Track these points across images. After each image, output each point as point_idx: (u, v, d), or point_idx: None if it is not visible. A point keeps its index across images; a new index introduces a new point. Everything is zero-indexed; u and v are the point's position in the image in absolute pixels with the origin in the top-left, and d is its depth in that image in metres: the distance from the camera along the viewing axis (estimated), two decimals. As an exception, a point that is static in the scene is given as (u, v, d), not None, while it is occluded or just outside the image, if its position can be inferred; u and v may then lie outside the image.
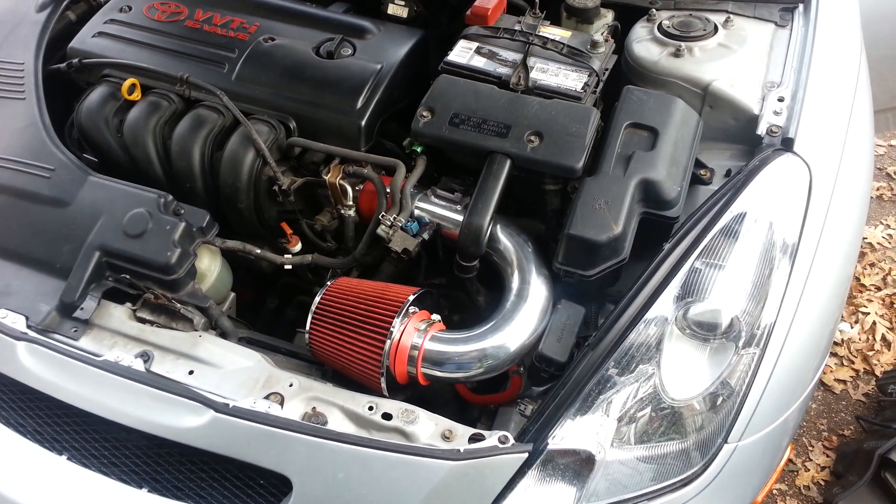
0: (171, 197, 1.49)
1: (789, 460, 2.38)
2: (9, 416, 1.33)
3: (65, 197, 1.52)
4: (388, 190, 1.54)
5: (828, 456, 2.41)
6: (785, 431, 1.35)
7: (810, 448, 2.44)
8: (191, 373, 1.33)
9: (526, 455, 1.17)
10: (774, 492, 2.34)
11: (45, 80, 1.78)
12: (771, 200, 1.38)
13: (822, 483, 2.35)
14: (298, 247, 1.64)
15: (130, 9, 1.86)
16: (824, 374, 2.60)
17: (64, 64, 1.79)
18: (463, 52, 1.65)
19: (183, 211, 1.48)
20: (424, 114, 1.53)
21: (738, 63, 1.63)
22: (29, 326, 1.37)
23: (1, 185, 1.58)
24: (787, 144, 1.45)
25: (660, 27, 1.70)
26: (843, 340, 2.71)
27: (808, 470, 2.38)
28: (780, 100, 1.55)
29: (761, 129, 1.51)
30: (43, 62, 1.81)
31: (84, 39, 1.82)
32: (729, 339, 1.26)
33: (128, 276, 1.44)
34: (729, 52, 1.65)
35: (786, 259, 1.34)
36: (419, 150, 1.58)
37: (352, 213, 1.63)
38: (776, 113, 1.53)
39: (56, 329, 1.39)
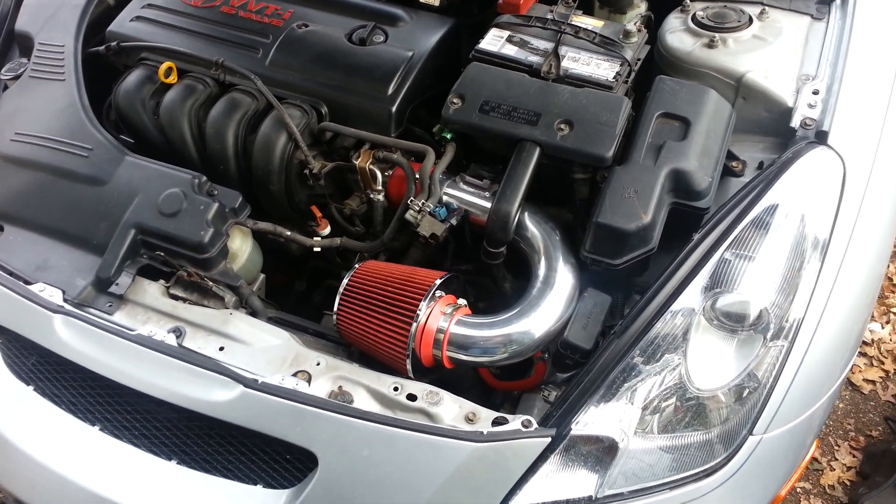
0: (205, 178, 1.51)
1: (814, 458, 2.35)
2: (45, 386, 1.37)
3: (102, 176, 1.55)
4: (418, 176, 1.55)
5: (854, 456, 2.38)
6: (811, 427, 1.34)
7: (836, 448, 2.41)
8: (221, 349, 1.36)
9: (549, 440, 1.17)
10: (798, 490, 2.31)
11: (85, 62, 1.81)
12: (803, 193, 1.36)
13: (848, 483, 2.32)
14: (328, 230, 1.66)
15: (168, -6, 1.90)
16: (853, 373, 2.56)
17: (103, 47, 1.82)
18: (494, 41, 1.66)
19: (216, 192, 1.51)
20: (455, 101, 1.54)
21: (773, 55, 1.61)
22: (65, 300, 1.41)
23: (40, 163, 1.62)
24: (820, 137, 1.44)
25: (694, 18, 1.68)
26: (873, 340, 2.66)
27: (834, 469, 2.35)
28: (815, 93, 1.53)
29: (795, 122, 1.49)
30: (82, 45, 1.85)
31: (122, 23, 1.85)
32: (757, 330, 1.25)
33: (162, 254, 1.47)
34: (763, 44, 1.63)
35: (817, 253, 1.33)
36: (449, 136, 1.58)
37: (381, 197, 1.64)
38: (811, 106, 1.51)
39: (91, 303, 1.43)
